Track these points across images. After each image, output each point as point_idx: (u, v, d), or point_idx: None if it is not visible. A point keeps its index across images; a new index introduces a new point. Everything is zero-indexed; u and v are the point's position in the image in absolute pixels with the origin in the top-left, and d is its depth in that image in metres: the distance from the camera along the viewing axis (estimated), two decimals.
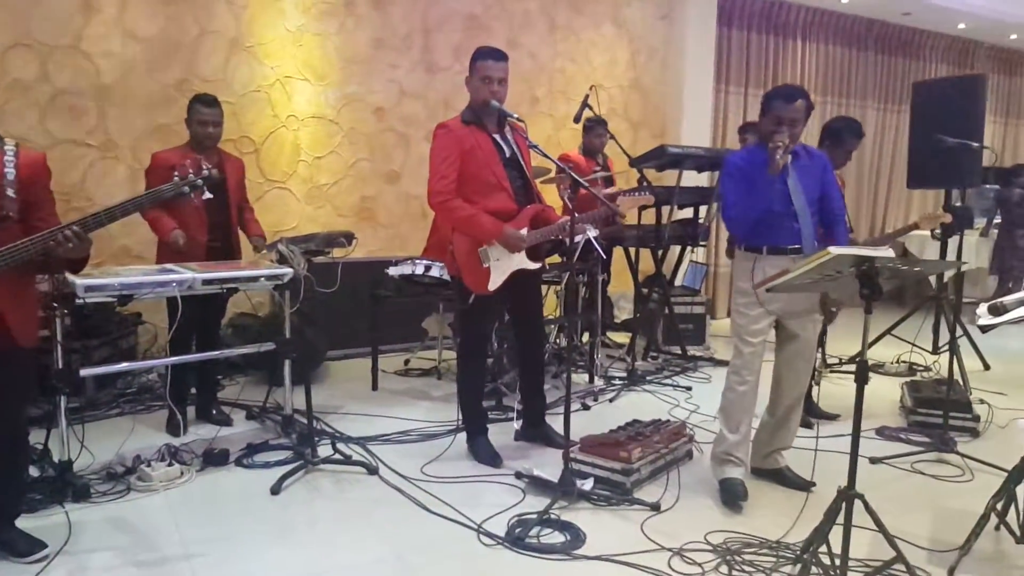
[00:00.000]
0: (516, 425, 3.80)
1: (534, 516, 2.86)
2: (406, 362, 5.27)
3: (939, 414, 3.81)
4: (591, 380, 4.83)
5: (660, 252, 5.29)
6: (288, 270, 3.53)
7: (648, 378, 4.90)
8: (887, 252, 2.10)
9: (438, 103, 5.89)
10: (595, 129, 5.33)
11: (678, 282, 6.04)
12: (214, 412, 4.04)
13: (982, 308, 2.52)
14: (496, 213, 3.29)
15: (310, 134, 5.47)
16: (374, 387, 4.69)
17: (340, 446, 3.53)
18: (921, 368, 5.22)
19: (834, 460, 3.48)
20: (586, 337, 5.13)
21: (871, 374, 5.14)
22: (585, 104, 4.50)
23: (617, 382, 4.81)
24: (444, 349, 5.13)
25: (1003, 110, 9.60)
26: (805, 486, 3.14)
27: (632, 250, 5.47)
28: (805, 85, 7.74)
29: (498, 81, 3.31)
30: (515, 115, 3.23)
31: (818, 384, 4.63)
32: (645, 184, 4.71)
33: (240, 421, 4.06)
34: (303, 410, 4.01)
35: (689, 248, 5.74)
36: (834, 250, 2.02)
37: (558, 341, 5.14)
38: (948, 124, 4.78)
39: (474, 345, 3.49)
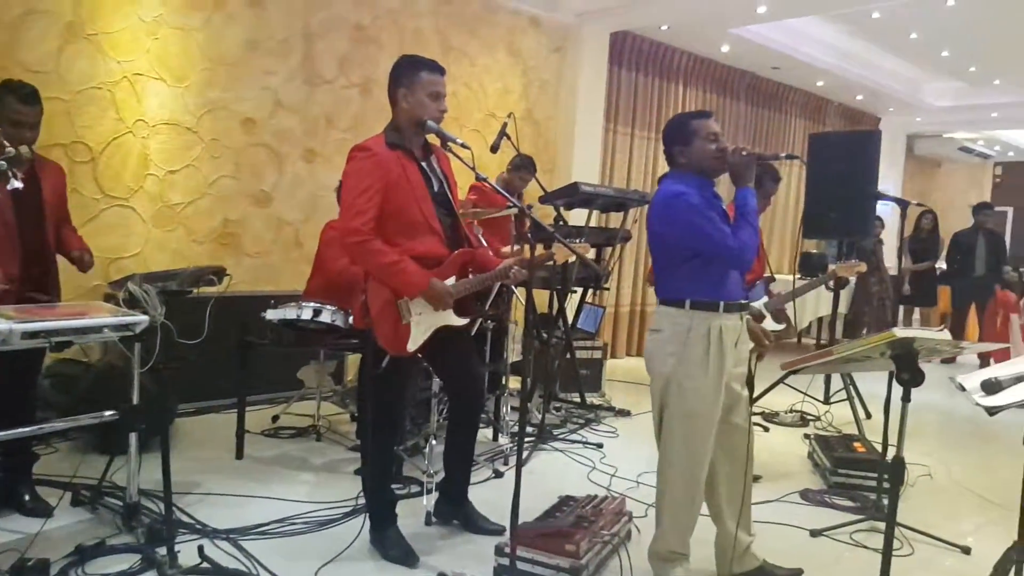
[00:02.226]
0: (428, 504, 3.20)
1: None
2: (274, 419, 4.48)
3: (859, 475, 3.77)
4: (495, 437, 4.32)
5: (565, 295, 4.93)
6: (141, 318, 2.72)
7: (556, 433, 4.48)
8: (941, 334, 1.81)
9: (318, 118, 5.20)
10: (522, 172, 4.87)
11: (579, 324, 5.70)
12: (26, 499, 3.07)
13: (970, 383, 2.29)
14: (423, 259, 2.73)
15: (162, 143, 4.58)
16: (239, 455, 3.87)
17: (207, 544, 2.76)
18: (813, 418, 5.22)
19: (770, 533, 3.24)
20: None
21: (769, 425, 5.13)
22: (503, 133, 4.05)
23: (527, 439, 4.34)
24: (323, 402, 4.42)
25: None
26: None
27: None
28: None
29: (443, 98, 2.79)
30: (459, 139, 2.69)
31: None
32: (561, 223, 4.33)
33: (64, 509, 3.09)
34: (152, 491, 3.21)
35: (592, 291, 5.44)
36: (900, 332, 1.69)
37: None
38: (843, 177, 4.84)
39: (387, 416, 2.85)
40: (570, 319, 5.58)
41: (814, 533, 3.28)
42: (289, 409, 4.52)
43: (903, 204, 4.31)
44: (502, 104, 6.26)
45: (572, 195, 4.54)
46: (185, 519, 3.09)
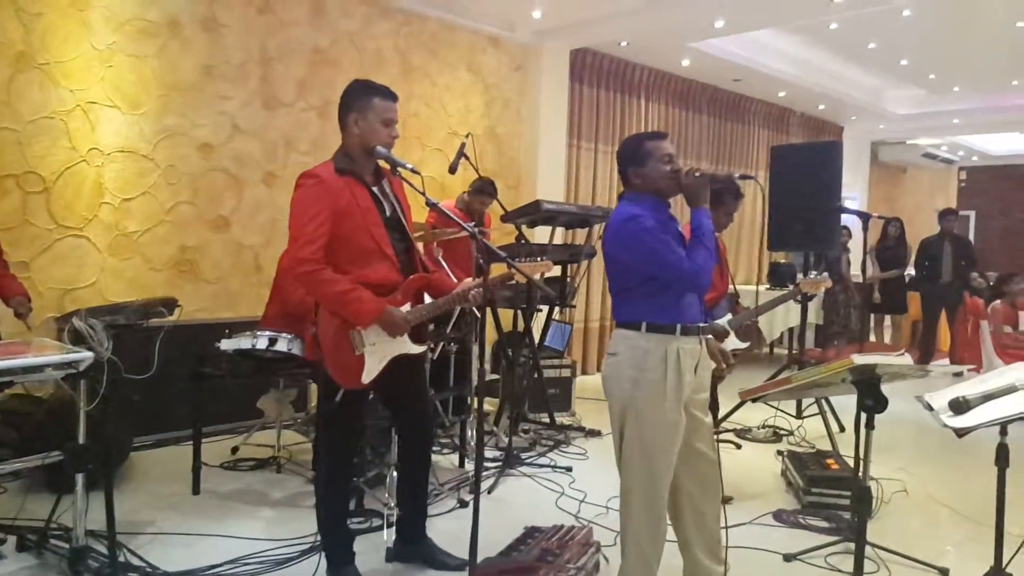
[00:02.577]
0: (388, 540, 3.12)
1: None
2: (234, 450, 4.37)
3: (832, 493, 3.68)
4: (461, 463, 4.25)
5: (531, 313, 4.88)
6: (86, 355, 2.64)
7: (524, 457, 4.41)
8: (902, 358, 1.78)
9: (277, 142, 5.14)
10: (482, 195, 4.84)
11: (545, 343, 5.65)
12: None
13: (938, 402, 2.27)
14: (376, 287, 2.66)
15: (117, 171, 4.49)
16: (195, 490, 3.76)
17: None
18: (785, 433, 5.19)
19: (743, 558, 3.19)
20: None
21: (741, 441, 5.11)
22: (461, 154, 4.01)
23: (491, 465, 4.27)
24: (284, 431, 4.32)
25: None
26: None
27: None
28: None
29: (395, 124, 2.76)
30: (408, 164, 2.64)
31: None
32: (523, 241, 4.29)
33: (8, 554, 3.01)
34: (102, 533, 3.10)
35: (556, 309, 5.39)
36: (858, 359, 1.66)
37: None
38: (806, 188, 4.86)
39: (341, 450, 2.78)
40: (540, 339, 5.55)
41: (788, 558, 3.21)
42: (250, 440, 4.41)
43: (864, 217, 4.34)
44: (464, 122, 6.23)
45: (534, 213, 4.51)
46: (135, 561, 2.99)
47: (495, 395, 5.29)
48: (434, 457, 4.36)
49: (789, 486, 4.09)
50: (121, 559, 2.96)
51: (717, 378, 2.70)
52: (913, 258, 8.21)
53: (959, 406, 2.21)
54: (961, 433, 2.14)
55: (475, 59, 6.32)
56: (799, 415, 5.32)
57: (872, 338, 9.32)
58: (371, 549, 3.12)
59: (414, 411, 2.94)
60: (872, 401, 1.83)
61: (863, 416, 1.97)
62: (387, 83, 5.55)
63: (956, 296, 7.48)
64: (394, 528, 3.09)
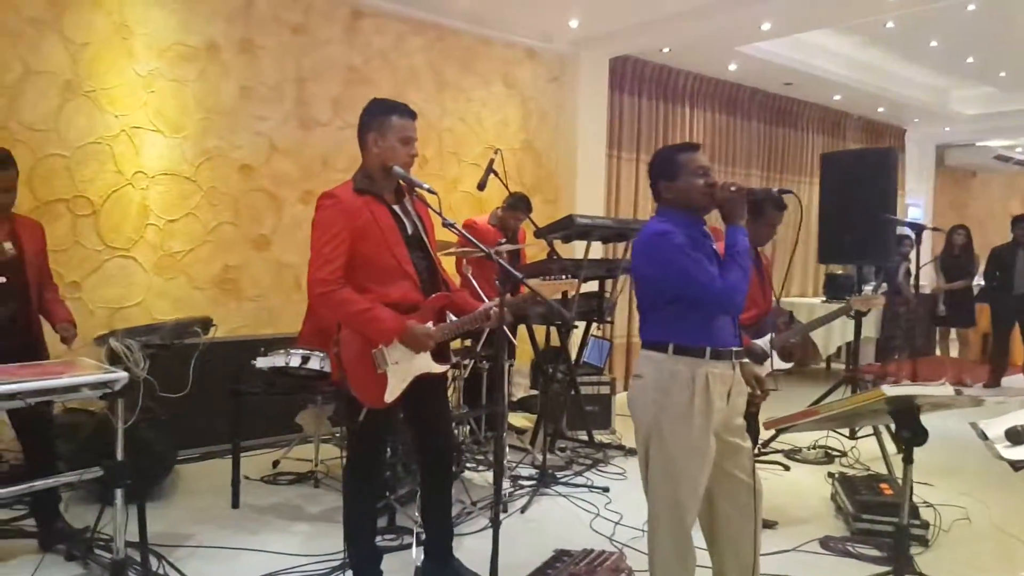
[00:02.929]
0: (416, 559, 3.09)
1: None
2: (275, 464, 4.43)
3: (884, 519, 3.47)
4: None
5: (566, 329, 4.80)
6: (121, 375, 2.71)
7: (559, 476, 4.33)
8: (944, 388, 1.64)
9: (314, 160, 5.21)
10: (516, 210, 4.82)
11: (582, 359, 5.55)
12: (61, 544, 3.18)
13: (994, 431, 2.10)
14: (397, 306, 2.64)
15: (161, 194, 4.62)
16: (235, 504, 3.82)
17: None
18: (838, 454, 4.95)
19: None
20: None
21: (790, 463, 4.90)
22: (490, 169, 3.98)
23: (525, 483, 4.20)
24: (323, 447, 4.35)
25: None
26: None
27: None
28: None
29: (414, 143, 2.73)
30: (425, 185, 2.61)
31: None
32: (555, 257, 4.22)
33: (57, 563, 3.11)
34: (137, 543, 3.16)
35: (595, 325, 5.29)
36: (889, 390, 1.54)
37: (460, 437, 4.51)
38: (860, 197, 4.64)
39: (365, 469, 2.77)
40: (577, 355, 5.47)
41: None
42: (289, 454, 4.46)
43: (918, 228, 4.12)
44: (501, 137, 6.21)
45: (568, 228, 4.43)
46: (173, 574, 3.03)
47: (534, 412, 5.22)
48: (468, 474, 4.37)
49: (839, 511, 3.88)
50: (160, 572, 3.03)
51: (752, 405, 2.56)
52: (983, 268, 7.78)
53: (1017, 436, 2.04)
54: (1019, 467, 1.97)
55: (511, 72, 6.29)
56: (852, 435, 5.06)
57: (938, 352, 8.87)
58: (401, 568, 3.11)
59: (435, 431, 2.90)
60: (910, 433, 1.68)
61: (904, 449, 1.82)
62: (421, 99, 5.73)
63: None
64: (422, 547, 3.06)
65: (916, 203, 11.23)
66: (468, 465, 4.48)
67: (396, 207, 2.76)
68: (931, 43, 7.38)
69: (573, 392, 4.99)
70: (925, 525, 3.51)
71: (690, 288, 2.31)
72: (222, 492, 3.88)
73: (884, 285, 7.53)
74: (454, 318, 2.81)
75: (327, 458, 4.42)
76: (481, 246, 2.39)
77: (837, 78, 7.89)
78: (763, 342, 3.62)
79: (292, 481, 4.23)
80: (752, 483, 2.41)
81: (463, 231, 2.47)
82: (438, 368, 2.74)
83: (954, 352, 8.46)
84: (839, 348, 7.66)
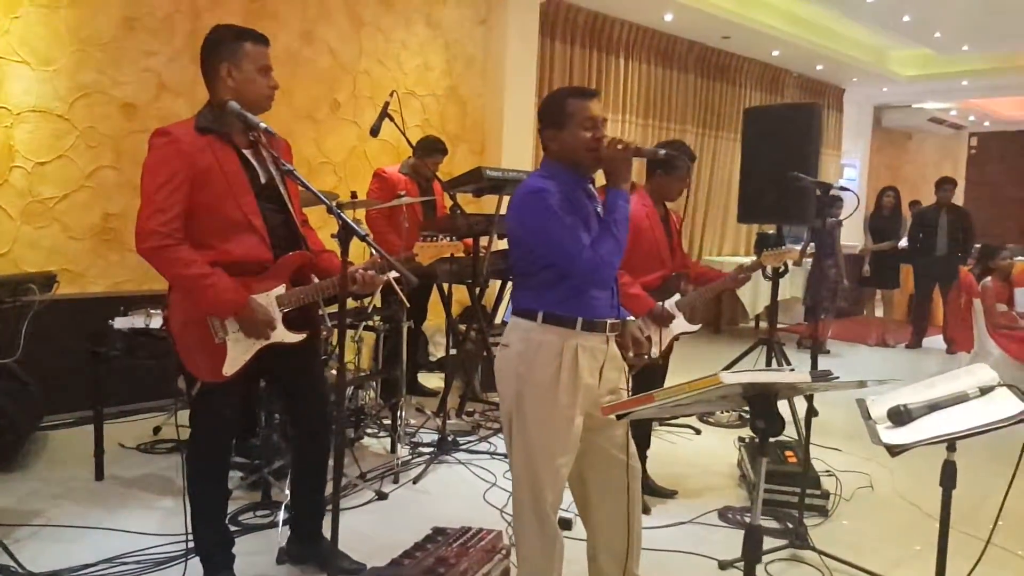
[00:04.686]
0: (281, 540, 2.84)
1: None
2: (156, 430, 4.11)
3: (786, 490, 3.35)
4: (393, 449, 3.97)
5: (477, 288, 4.56)
6: None
7: (461, 442, 4.12)
8: (795, 374, 1.44)
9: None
10: (433, 155, 4.53)
11: (498, 319, 5.33)
12: None
13: (877, 410, 1.93)
14: (241, 264, 2.34)
15: (29, 133, 4.16)
16: (98, 475, 3.50)
17: None
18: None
19: (676, 564, 2.91)
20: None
21: (701, 426, 4.79)
22: (385, 113, 3.65)
23: (425, 451, 3.99)
24: None
25: None
26: None
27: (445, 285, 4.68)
28: (627, 105, 7.43)
29: (271, 72, 2.40)
30: (263, 124, 2.28)
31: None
32: (460, 213, 3.93)
33: None
34: None
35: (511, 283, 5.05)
36: (727, 377, 1.33)
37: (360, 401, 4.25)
38: (781, 154, 4.45)
39: (207, 447, 2.48)
40: (492, 314, 5.26)
41: (723, 565, 2.92)
42: (171, 420, 4.14)
43: (824, 188, 3.94)
44: (422, 81, 5.84)
45: (478, 181, 4.16)
46: (4, 559, 2.72)
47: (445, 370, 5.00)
48: (366, 440, 4.14)
49: (743, 479, 3.79)
50: None
51: (632, 368, 2.36)
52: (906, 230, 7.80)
53: (899, 416, 1.87)
54: (895, 451, 1.80)
55: (433, 12, 5.89)
56: None
57: (864, 313, 8.95)
58: (265, 547, 2.88)
59: (304, 404, 2.63)
60: (764, 423, 1.49)
61: (757, 440, 1.63)
62: (334, 37, 5.33)
63: (952, 271, 7.07)
64: (288, 526, 2.82)
65: (852, 163, 11.23)
66: (368, 431, 4.25)
67: (247, 151, 2.42)
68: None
69: (486, 353, 4.76)
70: (825, 495, 3.43)
71: (557, 256, 2.09)
72: (89, 462, 3.55)
73: (812, 245, 7.47)
74: (317, 280, 2.53)
75: None
76: (323, 199, 2.09)
77: (776, 33, 7.70)
78: (670, 304, 3.43)
79: (170, 449, 3.91)
80: (626, 460, 2.22)
81: (304, 180, 2.15)
82: (292, 338, 2.45)
83: (880, 313, 8.52)
84: (766, 308, 7.61)
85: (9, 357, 2.76)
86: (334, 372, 3.92)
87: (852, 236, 9.75)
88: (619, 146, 2.08)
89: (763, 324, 8.47)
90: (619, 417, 1.58)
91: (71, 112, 4.29)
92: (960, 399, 1.80)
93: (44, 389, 3.81)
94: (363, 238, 1.98)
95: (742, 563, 2.82)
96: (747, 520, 3.25)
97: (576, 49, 6.83)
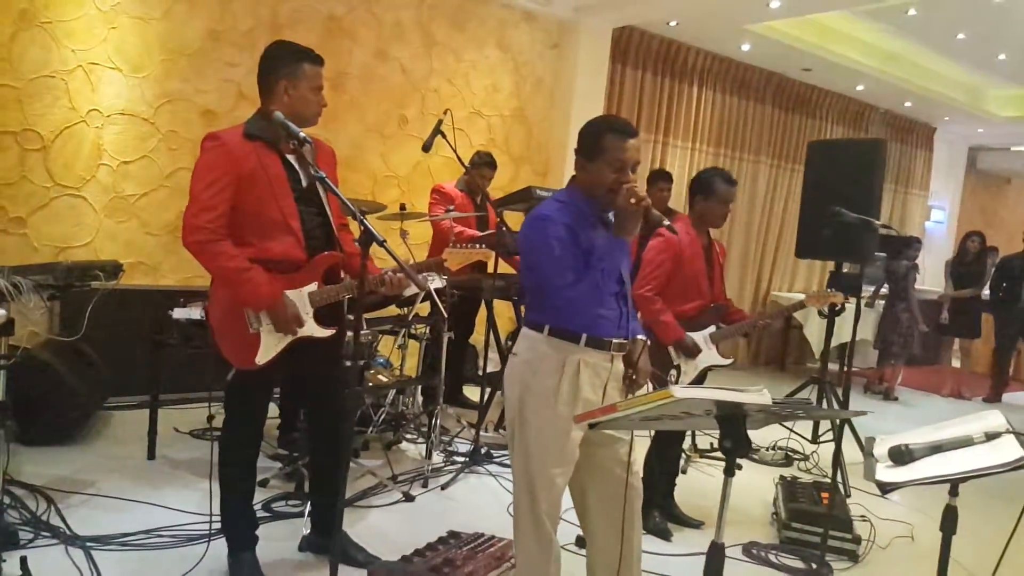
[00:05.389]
0: (305, 528, 2.98)
1: None
2: (210, 419, 4.32)
3: (815, 531, 3.25)
4: (428, 455, 4.05)
5: (521, 306, 4.62)
6: None
7: (495, 455, 4.17)
8: (760, 395, 1.44)
9: None
10: (482, 168, 4.68)
11: None
12: None
13: (880, 448, 1.90)
14: (278, 263, 2.49)
15: (117, 134, 4.51)
16: (150, 455, 3.73)
17: (54, 552, 2.64)
18: (799, 457, 4.72)
19: None
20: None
21: (742, 462, 4.67)
22: (437, 131, 3.78)
23: (458, 460, 4.06)
24: None
25: (893, 177, 9.59)
26: None
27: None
28: (699, 134, 7.38)
29: (322, 91, 2.59)
30: (302, 133, 2.40)
31: (683, 473, 4.07)
32: (504, 229, 4.02)
33: None
34: (35, 487, 3.14)
35: None
36: (679, 392, 1.34)
37: (402, 406, 4.37)
38: (843, 190, 4.34)
39: (239, 432, 2.64)
40: None
41: None
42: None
43: (866, 226, 3.84)
44: (490, 102, 5.99)
45: (527, 200, 4.23)
46: (56, 521, 2.95)
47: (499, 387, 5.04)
48: (403, 445, 4.24)
49: (775, 517, 3.68)
50: (44, 516, 2.96)
51: (630, 391, 2.36)
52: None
53: (899, 455, 1.83)
54: (886, 490, 1.77)
55: (506, 35, 6.04)
56: (815, 439, 4.82)
57: (942, 362, 8.50)
58: (290, 534, 3.02)
59: (323, 397, 2.76)
60: (731, 443, 1.49)
61: (725, 460, 1.62)
62: (406, 56, 5.53)
63: None
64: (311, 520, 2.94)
65: (940, 205, 10.74)
66: (408, 436, 4.36)
67: (291, 156, 2.58)
68: (958, 35, 6.94)
69: None
70: (857, 540, 3.31)
71: (541, 283, 2.18)
72: (144, 443, 3.78)
73: (884, 286, 7.20)
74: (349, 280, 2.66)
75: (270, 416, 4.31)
76: (348, 204, 2.21)
77: (859, 67, 7.48)
78: (703, 336, 3.40)
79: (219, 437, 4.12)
80: (627, 477, 2.23)
81: (332, 186, 2.29)
82: (321, 332, 2.59)
83: (957, 363, 8.09)
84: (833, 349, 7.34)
85: (74, 336, 3.00)
86: (380, 377, 4.09)
87: (934, 281, 9.35)
88: (632, 200, 2.08)
89: (831, 366, 8.19)
90: (591, 426, 1.61)
91: (156, 116, 4.62)
92: (964, 443, 1.75)
93: (112, 372, 4.10)
94: (381, 243, 2.08)
95: None
96: (771, 557, 3.21)
97: (647, 75, 6.84)
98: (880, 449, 1.89)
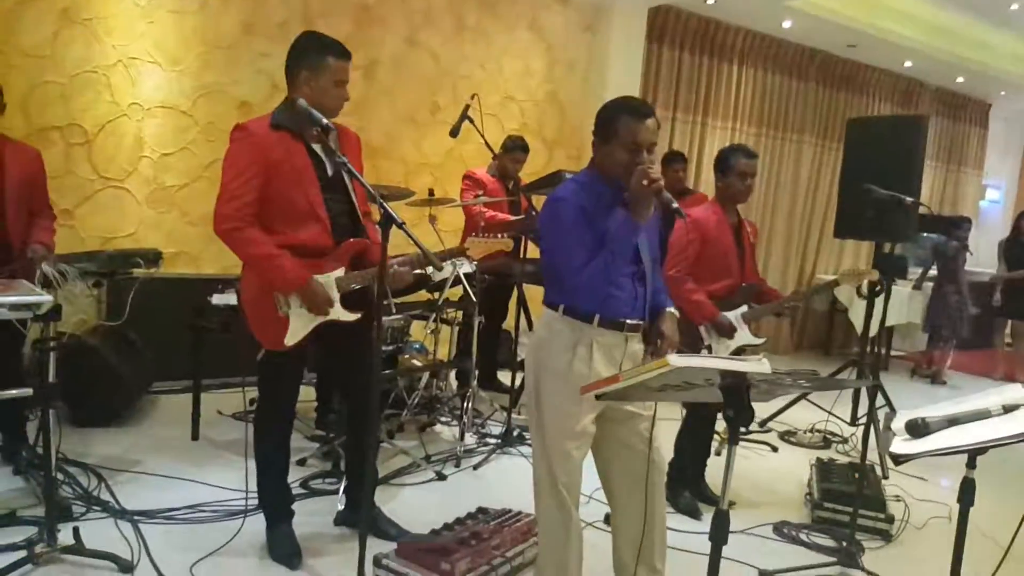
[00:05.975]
0: (340, 504, 3.06)
1: None
2: (251, 402, 4.44)
3: (848, 511, 3.20)
4: (461, 437, 4.11)
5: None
6: (45, 298, 2.69)
7: (527, 437, 4.20)
8: (759, 364, 1.43)
9: None
10: (514, 152, 4.69)
11: None
12: (24, 455, 3.27)
13: (898, 423, 1.89)
14: (305, 249, 2.55)
15: (157, 126, 4.65)
16: (194, 436, 3.87)
17: (103, 525, 2.79)
18: (837, 440, 4.65)
19: (726, 572, 2.86)
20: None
21: (780, 444, 4.62)
22: (465, 116, 3.80)
23: (491, 441, 4.11)
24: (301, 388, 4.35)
25: (945, 156, 9.27)
26: None
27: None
28: (740, 113, 7.24)
29: (346, 85, 2.61)
30: (324, 121, 2.43)
31: (716, 455, 4.04)
32: (535, 213, 4.03)
33: (6, 477, 3.23)
34: (86, 464, 3.29)
35: None
36: (674, 360, 1.34)
37: (436, 389, 4.44)
38: (883, 167, 4.22)
39: (271, 410, 2.73)
40: None
41: (763, 574, 2.86)
42: None
43: (896, 201, 3.73)
44: (522, 86, 5.98)
45: (556, 183, 4.21)
46: (105, 496, 3.10)
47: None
48: (437, 427, 4.31)
49: (808, 498, 3.64)
50: (96, 492, 3.11)
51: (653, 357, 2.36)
52: None
53: (916, 428, 1.82)
54: (899, 461, 1.76)
55: (538, 17, 6.01)
56: (853, 421, 4.74)
57: (995, 346, 8.22)
58: (327, 509, 3.12)
59: (353, 377, 2.81)
60: (733, 412, 1.49)
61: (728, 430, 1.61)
62: (437, 43, 5.55)
63: None
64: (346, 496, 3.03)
65: (997, 185, 10.35)
66: (442, 419, 4.43)
67: (316, 146, 2.63)
68: (1012, 6, 6.65)
69: None
70: (890, 519, 3.29)
71: (554, 263, 2.21)
72: (188, 424, 3.92)
73: (934, 267, 6.99)
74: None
75: (304, 399, 4.42)
76: (370, 189, 2.25)
77: (907, 42, 7.23)
78: (736, 315, 3.37)
79: None
80: (648, 452, 2.24)
81: (355, 172, 2.33)
82: (347, 316, 2.64)
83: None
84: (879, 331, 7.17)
85: (118, 321, 3.12)
86: (414, 361, 4.16)
87: (989, 262, 9.02)
88: (645, 181, 2.08)
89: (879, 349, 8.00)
90: (598, 397, 1.62)
91: (194, 108, 4.75)
92: (981, 415, 1.73)
93: (156, 358, 4.25)
94: (400, 226, 2.12)
95: (786, 573, 2.80)
96: (802, 537, 3.18)
97: (685, 55, 6.73)
98: (898, 423, 1.88)
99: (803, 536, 3.23)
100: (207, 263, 4.89)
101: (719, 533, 1.56)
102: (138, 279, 3.19)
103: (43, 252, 3.30)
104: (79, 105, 4.39)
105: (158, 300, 3.80)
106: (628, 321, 2.20)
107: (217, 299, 3.62)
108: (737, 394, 1.45)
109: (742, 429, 4.20)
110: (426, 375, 4.28)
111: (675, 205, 2.11)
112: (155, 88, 4.60)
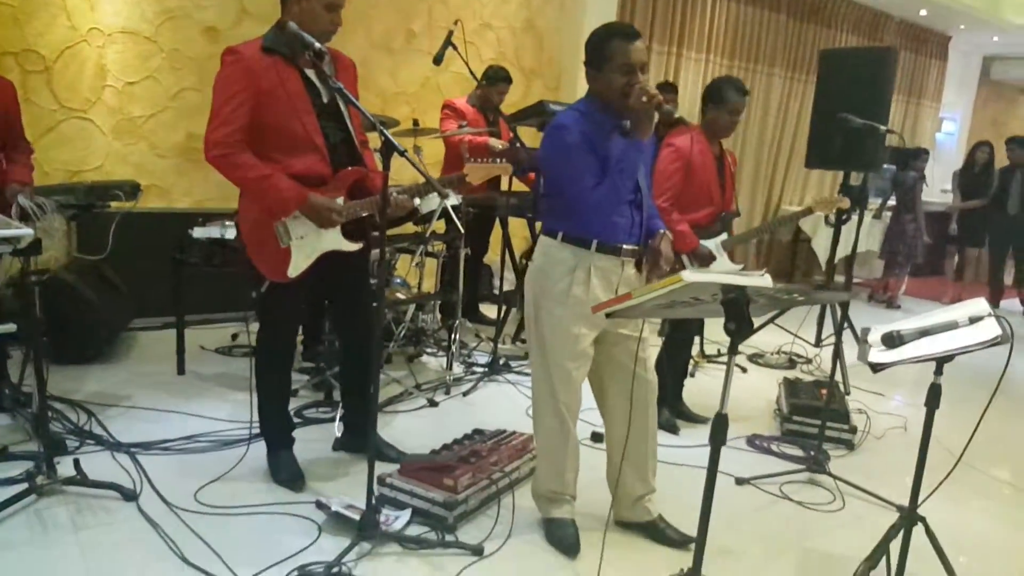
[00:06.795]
0: (337, 431, 3.14)
1: (321, 569, 2.22)
2: (234, 336, 4.47)
3: (815, 423, 3.43)
4: (449, 366, 4.19)
5: (536, 223, 4.67)
6: (25, 232, 2.63)
7: (513, 365, 4.31)
8: (761, 279, 1.52)
9: None
10: (498, 84, 4.64)
11: None
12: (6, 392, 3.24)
13: (874, 335, 2.03)
14: (302, 178, 2.53)
15: (119, 53, 4.46)
16: (180, 370, 3.88)
17: (100, 458, 2.80)
18: (802, 360, 4.89)
19: (693, 479, 3.03)
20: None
21: (749, 366, 4.83)
22: (448, 42, 3.74)
23: (478, 370, 4.21)
24: None
25: (906, 88, 9.43)
26: (682, 543, 2.49)
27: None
28: (712, 46, 7.23)
29: (339, 10, 2.54)
30: (317, 45, 2.39)
31: (691, 376, 4.24)
32: (519, 145, 4.03)
33: None
34: (73, 401, 3.27)
35: None
36: (688, 276, 1.42)
37: (421, 322, 4.49)
38: (853, 98, 4.31)
39: (273, 340, 2.74)
40: None
41: (739, 481, 3.08)
42: (246, 329, 4.48)
43: (874, 131, 3.85)
44: (498, 14, 5.86)
45: (540, 114, 4.22)
46: (98, 430, 3.11)
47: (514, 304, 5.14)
48: (424, 358, 4.39)
49: (777, 413, 3.86)
50: (87, 427, 3.12)
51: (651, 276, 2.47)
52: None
53: (891, 340, 1.98)
54: (876, 369, 1.92)
55: None
56: (817, 343, 4.97)
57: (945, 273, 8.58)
58: (324, 437, 3.17)
59: (352, 308, 2.85)
60: (734, 324, 1.59)
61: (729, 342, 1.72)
62: None
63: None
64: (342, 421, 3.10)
65: (952, 116, 10.59)
66: (428, 350, 4.50)
67: (310, 71, 2.59)
68: None
69: None
70: (853, 430, 3.55)
71: (561, 189, 2.28)
72: (172, 360, 3.91)
73: (892, 197, 7.21)
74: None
75: None
76: (366, 114, 2.24)
77: None
78: (715, 243, 3.48)
79: (246, 354, 4.26)
80: (638, 370, 2.36)
81: (351, 97, 2.30)
82: (349, 246, 2.65)
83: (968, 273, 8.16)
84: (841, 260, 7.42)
85: (99, 255, 3.06)
86: (399, 295, 4.19)
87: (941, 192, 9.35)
88: (644, 98, 2.14)
89: (838, 277, 8.27)
90: (608, 315, 1.70)
91: (158, 34, 4.55)
92: (950, 327, 1.89)
93: (136, 295, 4.20)
94: (402, 153, 2.12)
95: (762, 479, 3.00)
96: (773, 448, 3.39)
97: None
98: (874, 336, 2.03)
99: (774, 447, 3.45)
100: (180, 198, 4.79)
101: (719, 436, 1.68)
102: (118, 213, 3.12)
103: (23, 190, 3.22)
104: (34, 29, 4.18)
105: (134, 235, 3.72)
106: (625, 246, 2.30)
107: (199, 232, 3.57)
108: (739, 308, 1.54)
109: (713, 352, 4.47)
110: (412, 307, 4.33)
111: (678, 115, 2.19)
112: (115, 13, 4.39)
